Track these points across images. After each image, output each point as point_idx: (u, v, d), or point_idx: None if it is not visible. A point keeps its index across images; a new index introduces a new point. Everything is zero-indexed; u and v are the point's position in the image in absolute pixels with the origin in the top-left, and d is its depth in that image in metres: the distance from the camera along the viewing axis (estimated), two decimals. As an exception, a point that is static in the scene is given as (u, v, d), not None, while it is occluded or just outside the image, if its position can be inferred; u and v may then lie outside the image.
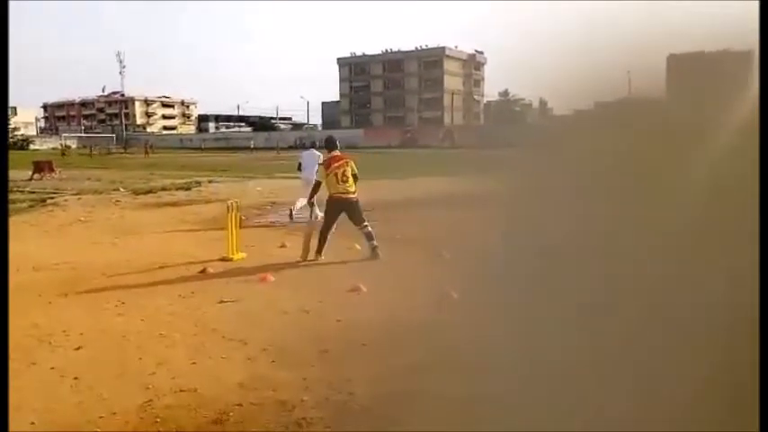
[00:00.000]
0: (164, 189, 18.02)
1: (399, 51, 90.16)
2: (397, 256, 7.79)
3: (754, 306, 1.80)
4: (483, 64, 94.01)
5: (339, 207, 7.61)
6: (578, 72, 2.59)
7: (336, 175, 7.58)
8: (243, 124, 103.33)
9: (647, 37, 2.38)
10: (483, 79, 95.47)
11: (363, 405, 3.45)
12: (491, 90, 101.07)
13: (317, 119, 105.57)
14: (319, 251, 7.55)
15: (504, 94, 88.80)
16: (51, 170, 23.87)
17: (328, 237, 7.61)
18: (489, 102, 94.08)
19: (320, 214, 8.08)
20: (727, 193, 2.03)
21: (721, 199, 2.04)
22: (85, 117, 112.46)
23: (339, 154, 7.87)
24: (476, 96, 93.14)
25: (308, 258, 7.53)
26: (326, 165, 7.78)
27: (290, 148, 45.07)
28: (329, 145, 8.04)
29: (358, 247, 7.96)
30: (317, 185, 7.85)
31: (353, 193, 7.67)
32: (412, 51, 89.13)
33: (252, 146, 63.61)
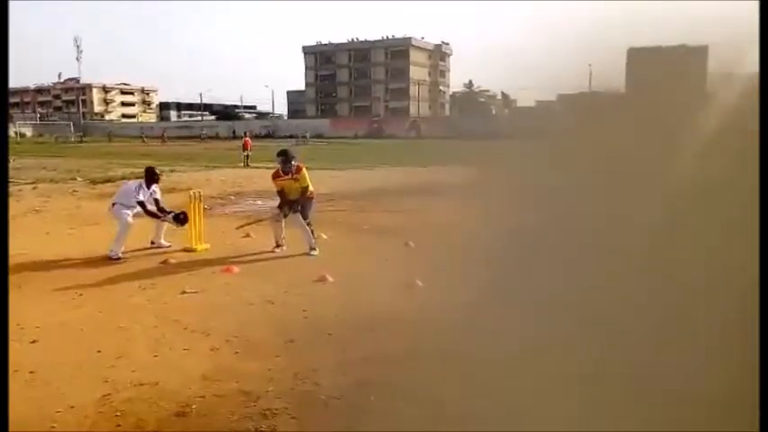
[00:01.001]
0: (123, 178, 17.51)
1: (366, 41, 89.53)
2: (365, 245, 7.84)
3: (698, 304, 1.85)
4: (448, 55, 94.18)
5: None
6: (541, 65, 2.62)
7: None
8: (206, 113, 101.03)
9: (608, 31, 2.42)
10: (448, 70, 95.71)
11: (329, 395, 3.45)
12: (456, 81, 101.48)
13: (282, 108, 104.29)
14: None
15: (469, 85, 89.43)
16: (4, 158, 22.96)
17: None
18: (455, 93, 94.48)
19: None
20: (686, 184, 2.09)
21: (682, 189, 2.09)
22: (41, 104, 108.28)
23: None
24: (441, 87, 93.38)
25: (274, 248, 7.48)
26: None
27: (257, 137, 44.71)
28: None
29: (325, 236, 7.94)
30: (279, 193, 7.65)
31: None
32: (378, 41, 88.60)
33: (202, 135, 61.89)
